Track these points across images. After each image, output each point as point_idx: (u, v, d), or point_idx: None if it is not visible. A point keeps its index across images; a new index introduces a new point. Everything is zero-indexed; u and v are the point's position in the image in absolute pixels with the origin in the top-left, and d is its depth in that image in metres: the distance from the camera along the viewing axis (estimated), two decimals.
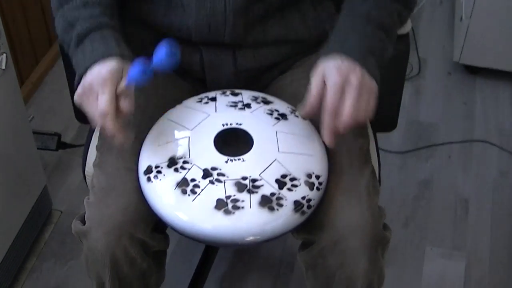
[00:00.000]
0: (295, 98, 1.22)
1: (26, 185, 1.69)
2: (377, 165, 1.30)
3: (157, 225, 1.13)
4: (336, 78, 1.01)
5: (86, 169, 1.31)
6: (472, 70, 2.32)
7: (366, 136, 1.23)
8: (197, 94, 1.27)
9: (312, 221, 1.09)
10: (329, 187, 1.10)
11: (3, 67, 1.43)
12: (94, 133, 1.32)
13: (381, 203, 1.15)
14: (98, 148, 1.21)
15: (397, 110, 1.43)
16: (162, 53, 1.00)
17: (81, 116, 1.43)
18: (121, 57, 1.06)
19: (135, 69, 1.01)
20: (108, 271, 1.13)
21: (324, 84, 1.03)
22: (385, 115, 1.39)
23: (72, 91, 1.36)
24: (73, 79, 1.09)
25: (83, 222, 1.14)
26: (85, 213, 1.14)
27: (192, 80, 1.30)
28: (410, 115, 2.19)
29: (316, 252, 1.14)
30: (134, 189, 1.10)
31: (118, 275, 1.14)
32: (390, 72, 1.28)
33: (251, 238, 1.02)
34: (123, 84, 1.02)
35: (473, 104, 2.23)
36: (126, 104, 1.02)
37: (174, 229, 1.07)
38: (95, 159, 1.20)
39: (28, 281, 1.70)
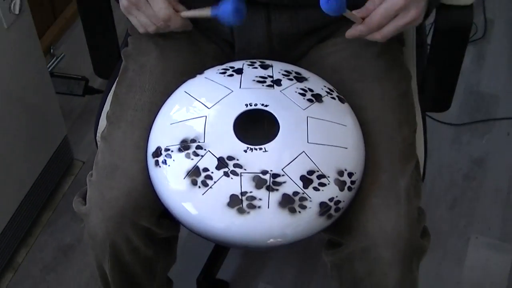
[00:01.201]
0: (334, 72, 1.07)
1: (45, 132, 1.59)
2: (423, 153, 1.14)
3: (165, 211, 1.00)
4: (400, 1, 0.92)
5: (97, 135, 1.17)
6: None
7: (412, 122, 1.07)
8: (223, 60, 1.12)
9: (341, 222, 0.95)
10: (363, 186, 0.95)
11: (17, 12, 1.30)
12: (109, 96, 1.18)
13: (428, 179, 0.99)
14: (108, 116, 1.08)
15: (453, 89, 1.25)
16: (228, 8, 0.93)
17: (100, 69, 1.32)
18: None
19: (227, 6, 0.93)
20: (108, 259, 1.01)
21: None
22: (439, 94, 1.22)
23: (87, 34, 1.25)
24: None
25: (85, 200, 1.02)
26: (86, 189, 1.02)
27: (219, 42, 1.15)
28: (469, 83, 2.00)
29: (343, 255, 1.00)
30: (141, 170, 0.97)
31: (120, 263, 1.02)
32: (449, 44, 1.12)
33: (265, 242, 0.89)
34: None
35: None
36: (182, 7, 1.00)
37: (181, 223, 0.94)
38: (104, 130, 1.07)
39: (42, 235, 1.61)
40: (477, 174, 1.78)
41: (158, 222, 1.01)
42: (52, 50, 1.96)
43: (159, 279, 1.13)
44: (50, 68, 1.90)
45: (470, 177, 1.77)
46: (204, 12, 0.98)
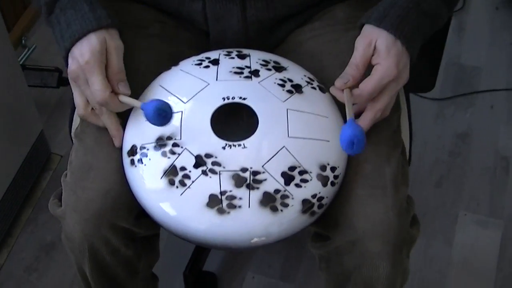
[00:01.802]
0: (313, 58, 1.03)
1: (20, 128, 1.54)
2: (408, 137, 1.11)
3: (144, 211, 0.96)
4: (393, 72, 0.88)
5: (72, 132, 1.13)
6: None
7: (397, 107, 1.03)
8: (198, 48, 1.08)
9: (326, 216, 0.92)
10: (347, 177, 0.92)
11: None
12: None
13: (413, 157, 0.97)
14: None
15: (437, 68, 1.22)
16: (150, 108, 0.87)
17: None
18: (101, 29, 0.91)
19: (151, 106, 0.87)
20: (87, 261, 0.98)
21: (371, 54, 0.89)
22: (423, 74, 1.19)
23: None
24: None
25: (61, 201, 0.98)
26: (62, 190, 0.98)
27: (194, 31, 1.10)
28: (450, 56, 1.97)
29: (331, 249, 0.97)
30: (117, 169, 0.93)
31: (100, 265, 0.99)
32: None
33: (247, 242, 0.86)
34: (113, 63, 0.90)
35: None
36: (122, 88, 0.91)
37: (159, 225, 0.90)
38: (77, 127, 1.03)
39: (22, 235, 1.57)
40: (462, 149, 1.75)
41: (137, 222, 0.97)
42: (23, 42, 1.91)
43: (143, 277, 1.10)
44: (22, 60, 1.85)
45: (455, 153, 1.74)
46: (136, 104, 0.91)
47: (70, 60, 0.92)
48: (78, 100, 0.94)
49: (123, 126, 0.95)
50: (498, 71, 1.93)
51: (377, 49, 0.89)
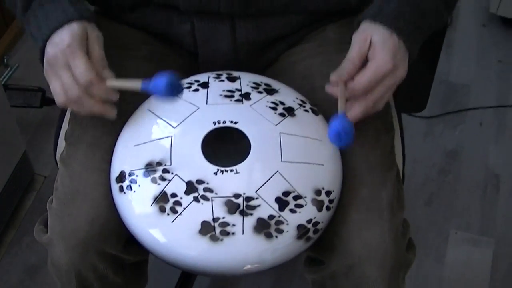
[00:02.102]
0: (304, 79, 1.02)
1: (2, 149, 1.50)
2: (401, 158, 1.09)
3: (133, 237, 0.93)
4: (389, 65, 0.86)
5: (57, 156, 1.10)
6: (510, 23, 2.06)
7: (390, 128, 1.01)
8: (186, 71, 1.06)
9: (321, 240, 0.89)
10: (343, 201, 0.90)
11: None
12: (66, 115, 1.11)
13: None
14: (67, 136, 1.00)
15: (429, 88, 1.21)
16: (162, 83, 0.84)
17: None
18: (81, 20, 0.88)
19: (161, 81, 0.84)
20: None
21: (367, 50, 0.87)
22: (415, 95, 1.18)
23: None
24: None
25: (47, 228, 0.95)
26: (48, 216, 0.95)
27: (182, 53, 1.08)
28: (438, 73, 1.93)
29: (326, 274, 0.95)
30: (104, 195, 0.91)
31: None
32: (424, 45, 1.07)
33: (241, 269, 0.83)
34: (95, 50, 0.87)
35: (510, 62, 1.99)
36: (107, 73, 0.88)
37: (149, 252, 0.88)
38: (62, 151, 1.00)
39: (6, 257, 1.53)
40: (452, 167, 1.74)
41: (126, 249, 0.95)
42: (5, 61, 1.87)
43: None
44: (4, 80, 1.81)
45: (445, 171, 1.73)
46: (134, 85, 0.87)
47: (49, 48, 0.88)
48: (57, 88, 0.87)
49: (111, 150, 0.92)
50: (487, 88, 1.92)
51: (373, 43, 0.88)
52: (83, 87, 0.86)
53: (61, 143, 1.07)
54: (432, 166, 1.74)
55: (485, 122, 1.84)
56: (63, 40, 0.87)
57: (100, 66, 0.89)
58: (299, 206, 0.84)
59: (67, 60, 0.86)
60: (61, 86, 0.88)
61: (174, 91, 0.85)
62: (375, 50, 0.87)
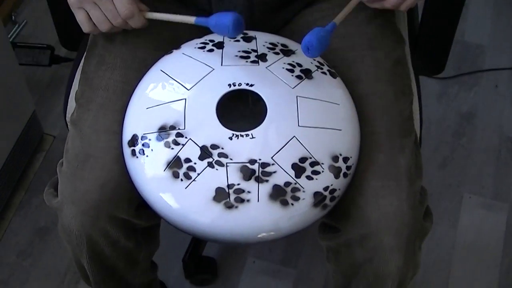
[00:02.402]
0: None
1: (12, 109, 1.48)
2: (419, 123, 1.06)
3: (145, 201, 0.92)
4: None
5: (67, 117, 1.08)
6: None
7: (409, 92, 0.99)
8: (202, 29, 1.02)
9: (337, 207, 0.87)
10: (360, 167, 0.88)
11: None
12: (77, 73, 1.08)
13: None
14: (77, 97, 0.98)
15: (448, 50, 1.17)
16: (226, 22, 0.84)
17: (67, 40, 1.22)
18: None
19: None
20: (86, 254, 0.93)
21: None
22: (434, 57, 1.14)
23: (51, 4, 1.14)
24: None
25: (57, 191, 0.93)
26: (58, 179, 0.93)
27: (195, 11, 1.05)
28: None
29: (341, 241, 0.94)
30: (116, 158, 0.89)
31: (99, 257, 0.95)
32: (445, 4, 1.04)
33: (255, 237, 0.82)
34: None
35: None
36: (143, 5, 0.89)
37: (163, 219, 0.86)
38: (73, 113, 0.98)
39: (15, 218, 1.52)
40: (466, 130, 1.71)
41: (137, 213, 0.93)
42: (13, 18, 1.84)
43: (142, 266, 1.06)
44: (12, 37, 1.78)
45: (459, 134, 1.70)
46: (185, 19, 0.88)
47: None
48: (99, 16, 0.89)
49: (122, 112, 0.90)
50: (503, 49, 1.88)
51: None
52: (123, 19, 0.87)
53: (71, 104, 1.05)
54: (446, 129, 1.71)
55: (501, 84, 1.80)
56: None
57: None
58: (316, 172, 0.81)
59: None
60: (101, 15, 0.88)
61: (238, 30, 0.85)
62: None
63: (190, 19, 0.88)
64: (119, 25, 0.89)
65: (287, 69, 0.88)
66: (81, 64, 1.06)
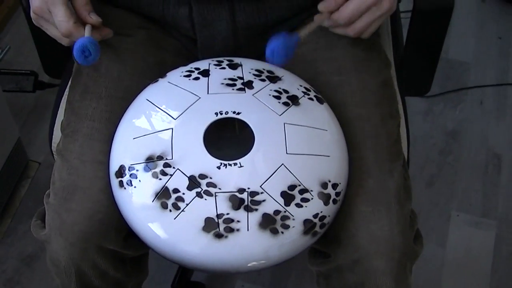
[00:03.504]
0: (307, 65, 0.99)
1: None
2: (406, 145, 1.06)
3: (133, 231, 0.91)
4: None
5: (53, 146, 1.07)
6: None
7: (396, 115, 0.99)
8: (185, 56, 1.03)
9: (327, 233, 0.87)
10: (349, 192, 0.87)
11: None
12: (61, 103, 1.08)
13: None
14: (63, 127, 0.97)
15: (433, 71, 1.18)
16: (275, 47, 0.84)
17: (50, 68, 1.21)
18: None
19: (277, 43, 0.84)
20: (75, 286, 0.92)
21: None
22: (419, 78, 1.15)
23: (34, 32, 1.13)
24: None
25: (44, 222, 0.92)
26: (45, 210, 0.92)
27: (180, 37, 1.05)
28: None
29: (332, 267, 0.93)
30: (103, 189, 0.88)
31: None
32: (429, 26, 1.04)
33: (245, 266, 0.81)
34: None
35: (510, 39, 1.96)
36: (95, 17, 0.89)
37: (152, 250, 0.85)
38: (58, 142, 0.97)
39: (1, 246, 1.51)
40: (453, 147, 1.71)
41: (126, 244, 0.92)
42: None
43: None
44: None
45: (446, 151, 1.71)
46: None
47: None
48: (54, 32, 0.89)
49: (109, 142, 0.89)
50: (487, 65, 1.89)
51: None
52: (65, 35, 0.87)
53: (57, 133, 1.04)
54: (433, 147, 1.71)
55: (486, 101, 1.81)
56: None
57: (84, 11, 0.88)
58: (305, 200, 0.81)
59: (49, 9, 0.86)
60: (55, 31, 0.89)
61: (83, 56, 0.84)
62: None
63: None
64: (69, 43, 0.89)
65: (273, 96, 0.88)
66: (66, 93, 1.06)
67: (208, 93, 0.88)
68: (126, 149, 0.86)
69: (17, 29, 1.92)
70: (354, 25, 0.88)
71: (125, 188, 0.83)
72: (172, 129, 0.84)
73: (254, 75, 0.90)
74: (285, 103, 0.87)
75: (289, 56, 0.84)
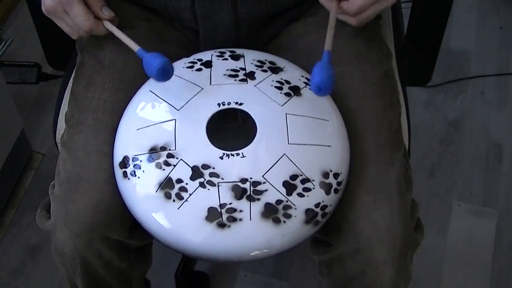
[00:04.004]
0: (309, 56, 0.99)
1: (0, 128, 1.47)
2: (407, 135, 1.07)
3: (138, 222, 0.92)
4: None
5: (57, 138, 1.08)
6: None
7: (397, 105, 0.99)
8: (187, 47, 1.03)
9: (329, 222, 0.88)
10: (350, 182, 0.88)
11: None
12: (66, 93, 1.09)
13: None
14: (67, 119, 0.98)
15: (434, 61, 1.18)
16: (153, 66, 0.85)
17: (54, 60, 1.22)
18: None
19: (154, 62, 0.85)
20: (80, 276, 0.93)
21: None
22: (420, 68, 1.15)
23: (38, 25, 1.15)
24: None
25: (49, 213, 0.93)
26: (50, 200, 0.94)
27: (182, 29, 1.05)
28: None
29: (333, 255, 0.94)
30: (107, 180, 0.89)
31: (93, 278, 0.95)
32: (430, 16, 1.05)
33: (248, 255, 0.82)
34: None
35: (511, 29, 1.96)
36: (107, 12, 0.92)
37: (156, 239, 0.86)
38: (63, 134, 0.98)
39: (6, 237, 1.52)
40: (454, 137, 1.72)
41: (130, 234, 0.93)
42: None
43: (136, 284, 1.06)
44: None
45: (447, 141, 1.71)
46: (131, 45, 0.90)
47: None
48: (67, 28, 0.93)
49: (113, 133, 0.90)
50: (488, 56, 1.89)
51: None
52: (88, 32, 0.91)
53: (61, 124, 1.05)
54: (434, 136, 1.72)
55: (487, 91, 1.82)
56: None
57: (98, 7, 0.91)
58: (307, 189, 0.82)
59: (65, 9, 0.89)
60: (68, 28, 0.92)
61: (164, 77, 0.85)
62: None
63: (134, 47, 0.89)
64: (85, 35, 0.92)
65: (275, 87, 0.89)
66: (70, 84, 1.07)
67: (210, 84, 0.89)
68: (129, 140, 0.87)
69: (19, 21, 1.92)
70: (361, 15, 0.88)
71: (129, 179, 0.84)
72: (175, 120, 0.85)
73: (256, 66, 0.91)
74: (287, 94, 0.88)
75: (334, 82, 0.82)
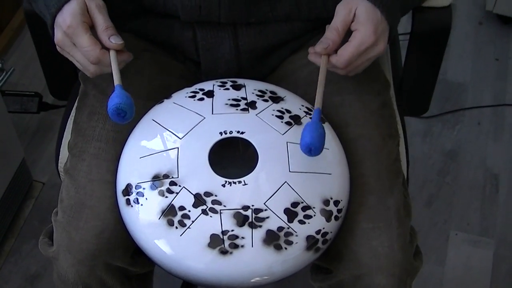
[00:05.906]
0: (309, 86, 1.01)
1: (1, 156, 1.49)
2: (406, 164, 1.08)
3: (140, 249, 0.93)
4: (371, 38, 0.87)
5: (59, 166, 1.09)
6: (506, 21, 2.06)
7: (395, 135, 1.01)
8: (189, 79, 1.05)
9: (329, 249, 0.89)
10: (350, 210, 0.90)
11: None
12: (68, 122, 1.10)
13: None
14: (70, 147, 1.00)
15: (431, 92, 1.20)
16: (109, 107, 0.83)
17: (56, 90, 1.24)
18: None
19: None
20: None
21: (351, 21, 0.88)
22: (418, 99, 1.17)
23: (41, 55, 1.16)
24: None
25: (51, 240, 0.94)
26: (53, 227, 0.94)
27: (184, 61, 1.07)
28: None
29: (333, 283, 0.95)
30: (110, 207, 0.90)
31: None
32: (427, 47, 1.07)
33: (249, 281, 0.83)
34: (99, 21, 0.88)
35: (507, 61, 1.99)
36: (115, 40, 0.88)
37: (159, 266, 0.87)
38: (66, 162, 0.99)
39: (5, 265, 1.52)
40: (451, 167, 1.74)
41: (133, 261, 0.94)
42: (0, 65, 1.85)
43: None
44: (0, 84, 1.79)
45: (444, 172, 1.73)
46: (115, 78, 0.87)
47: (55, 30, 0.89)
48: (77, 64, 0.90)
49: (116, 161, 0.92)
50: (484, 87, 1.92)
51: (357, 15, 0.88)
52: (94, 63, 0.87)
53: (64, 153, 1.06)
54: (431, 167, 1.74)
55: (483, 122, 1.84)
56: (64, 21, 0.87)
57: (105, 36, 0.88)
58: (308, 216, 0.83)
59: (72, 41, 0.87)
60: (78, 63, 0.89)
61: (117, 117, 0.83)
62: (358, 22, 0.87)
63: (115, 81, 0.86)
64: (93, 70, 0.89)
65: (276, 116, 0.90)
66: (72, 113, 1.08)
67: (212, 113, 0.90)
68: (133, 168, 0.88)
69: (21, 51, 1.95)
70: (350, 67, 0.89)
71: (132, 206, 0.85)
72: (178, 148, 0.87)
73: (257, 95, 0.93)
74: (288, 123, 0.90)
75: (324, 142, 0.82)
